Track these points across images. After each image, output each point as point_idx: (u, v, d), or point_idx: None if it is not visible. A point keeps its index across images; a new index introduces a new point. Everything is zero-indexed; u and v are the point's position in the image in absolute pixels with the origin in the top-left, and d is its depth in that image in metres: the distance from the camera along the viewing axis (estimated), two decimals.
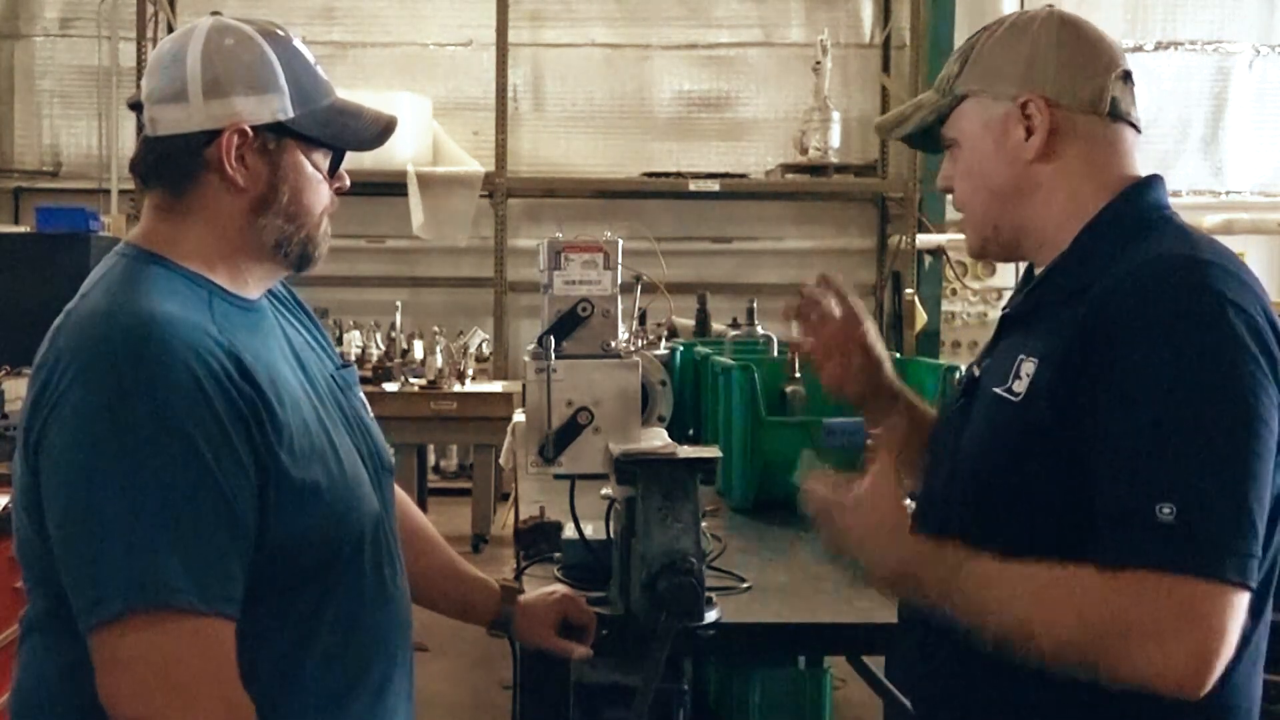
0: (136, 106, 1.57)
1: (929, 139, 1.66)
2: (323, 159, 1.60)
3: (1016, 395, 1.47)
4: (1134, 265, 1.42)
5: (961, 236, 1.75)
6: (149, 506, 1.35)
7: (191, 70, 1.51)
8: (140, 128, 1.57)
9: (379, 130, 1.64)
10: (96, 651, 1.36)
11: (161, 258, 1.53)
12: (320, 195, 1.60)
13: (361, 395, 1.74)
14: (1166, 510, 1.29)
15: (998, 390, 1.50)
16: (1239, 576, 1.29)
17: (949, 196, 1.65)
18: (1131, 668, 1.30)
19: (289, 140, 1.55)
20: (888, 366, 1.88)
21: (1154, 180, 1.56)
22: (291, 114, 1.54)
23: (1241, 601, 1.29)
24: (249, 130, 1.52)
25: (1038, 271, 1.61)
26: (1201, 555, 1.28)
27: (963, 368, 1.91)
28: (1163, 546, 1.29)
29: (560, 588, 2.03)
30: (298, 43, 1.60)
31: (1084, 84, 1.52)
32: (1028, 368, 1.47)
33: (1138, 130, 1.57)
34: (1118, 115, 1.54)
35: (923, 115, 1.62)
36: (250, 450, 1.43)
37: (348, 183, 1.66)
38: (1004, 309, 1.66)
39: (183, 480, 1.37)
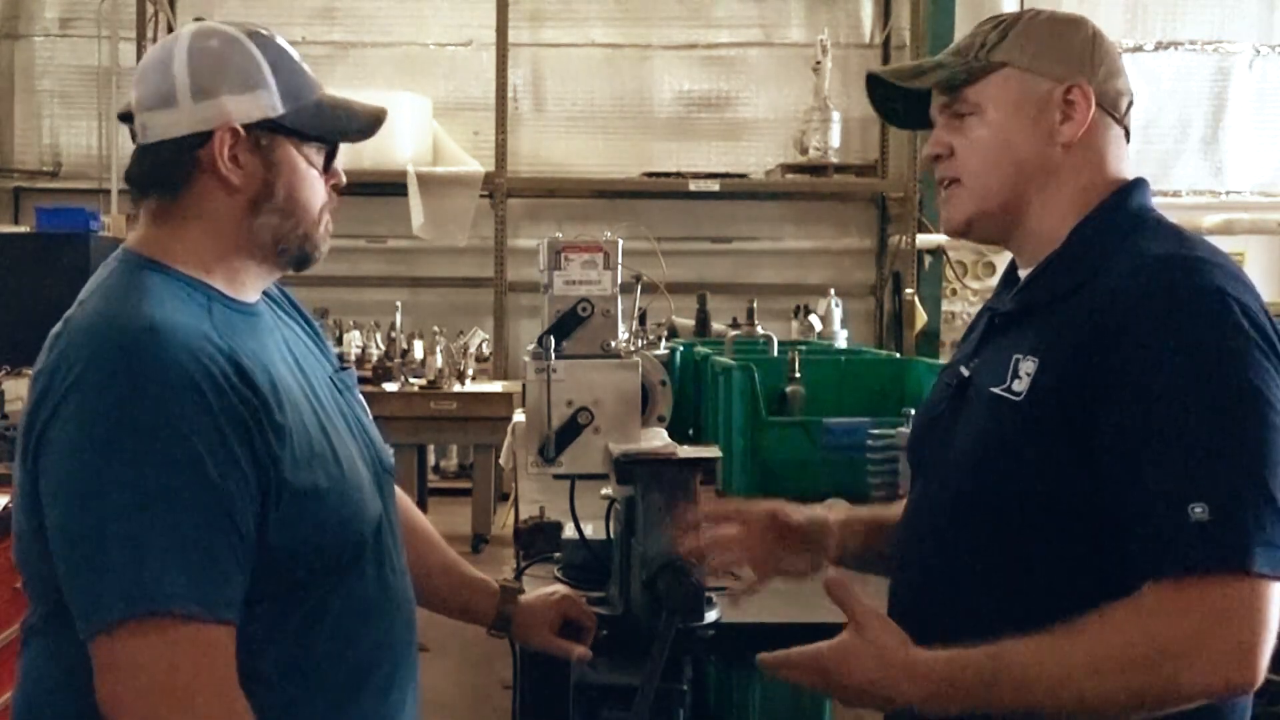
0: (126, 117, 1.57)
1: (919, 110, 1.64)
2: (316, 154, 1.60)
3: (1018, 395, 1.45)
4: (1133, 265, 1.43)
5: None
6: (148, 513, 1.35)
7: (179, 74, 1.51)
8: (134, 136, 1.58)
9: (369, 121, 1.64)
10: (96, 658, 1.36)
11: (159, 263, 1.52)
12: (317, 191, 1.60)
13: (360, 397, 1.74)
14: (1199, 509, 1.30)
15: (996, 390, 1.48)
16: (1271, 568, 1.30)
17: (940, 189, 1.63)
18: (1203, 683, 1.30)
19: (281, 136, 1.55)
20: (798, 517, 1.78)
21: (1141, 183, 1.57)
22: (281, 110, 1.54)
23: (1276, 591, 1.30)
24: (240, 129, 1.52)
25: (1021, 269, 1.61)
26: (1237, 551, 1.29)
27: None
28: (1199, 547, 1.29)
29: (560, 588, 2.03)
30: (281, 40, 1.60)
31: (1113, 83, 1.56)
32: (1027, 367, 1.46)
33: (1128, 137, 1.59)
34: (1123, 121, 1.57)
35: (948, 73, 1.58)
36: (250, 455, 1.42)
37: (343, 179, 1.66)
38: (989, 308, 1.65)
39: (182, 486, 1.37)
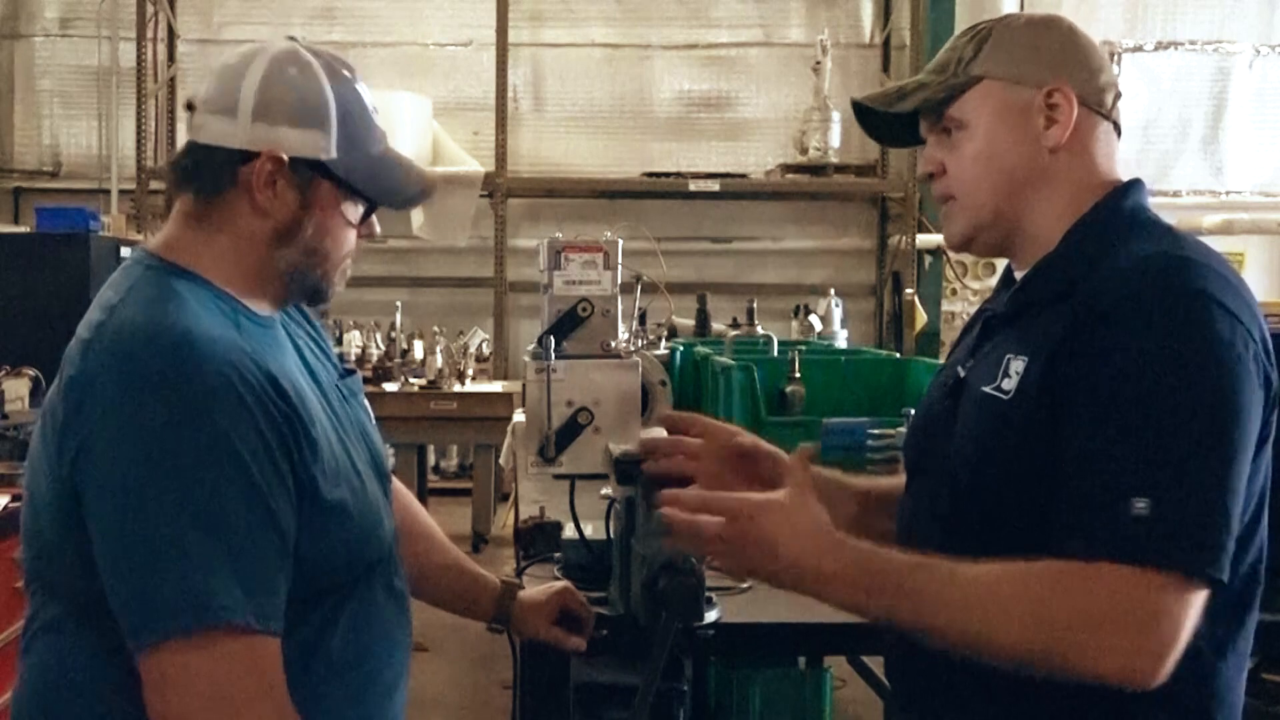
0: (192, 107, 1.58)
1: (909, 129, 1.63)
2: (353, 207, 1.60)
3: (1006, 393, 1.46)
4: (1122, 264, 1.43)
5: None
6: (202, 526, 1.35)
7: (247, 89, 1.52)
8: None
9: (416, 192, 1.66)
10: (149, 670, 1.36)
11: (187, 270, 1.53)
12: (343, 240, 1.61)
13: (365, 403, 1.74)
14: (1141, 504, 1.29)
15: (986, 389, 1.49)
16: (1214, 572, 1.30)
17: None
18: (1092, 661, 1.30)
19: (323, 180, 1.55)
20: (764, 450, 1.68)
21: (1138, 184, 1.57)
22: (333, 155, 1.54)
23: (1202, 598, 1.30)
24: (285, 159, 1.52)
25: (1018, 272, 1.61)
26: (1172, 550, 1.29)
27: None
28: (1134, 539, 1.29)
29: (559, 582, 2.03)
30: (362, 87, 1.60)
31: (1096, 80, 1.54)
32: (1016, 365, 1.46)
33: (1119, 134, 1.58)
34: (1111, 116, 1.56)
35: (929, 93, 1.57)
36: (290, 469, 1.44)
37: (377, 231, 1.67)
38: (985, 309, 1.65)
39: (234, 498, 1.37)
